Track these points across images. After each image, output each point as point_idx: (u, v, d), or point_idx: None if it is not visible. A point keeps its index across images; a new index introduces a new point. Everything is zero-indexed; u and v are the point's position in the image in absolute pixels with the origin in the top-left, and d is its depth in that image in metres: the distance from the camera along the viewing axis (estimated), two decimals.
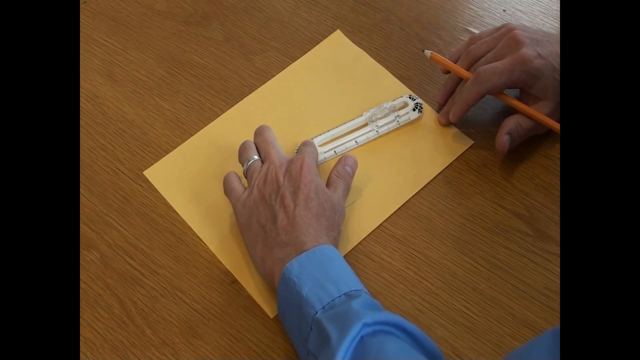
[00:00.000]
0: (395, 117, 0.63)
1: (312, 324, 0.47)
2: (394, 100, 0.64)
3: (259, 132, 0.60)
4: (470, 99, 0.59)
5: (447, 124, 0.63)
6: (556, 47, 0.58)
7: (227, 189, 0.58)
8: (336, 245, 0.55)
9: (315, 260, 0.50)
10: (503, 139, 0.59)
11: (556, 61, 0.57)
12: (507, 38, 0.59)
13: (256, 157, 0.59)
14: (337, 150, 0.63)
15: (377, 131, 0.63)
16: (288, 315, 0.50)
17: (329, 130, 0.64)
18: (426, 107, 0.65)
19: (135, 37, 0.72)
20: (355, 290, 0.48)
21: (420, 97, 0.66)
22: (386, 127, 0.63)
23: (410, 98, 0.64)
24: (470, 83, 0.59)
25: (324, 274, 0.49)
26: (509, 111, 0.62)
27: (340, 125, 0.64)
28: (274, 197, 0.54)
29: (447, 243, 0.58)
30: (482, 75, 0.58)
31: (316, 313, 0.47)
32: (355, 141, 0.63)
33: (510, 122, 0.59)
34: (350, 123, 0.64)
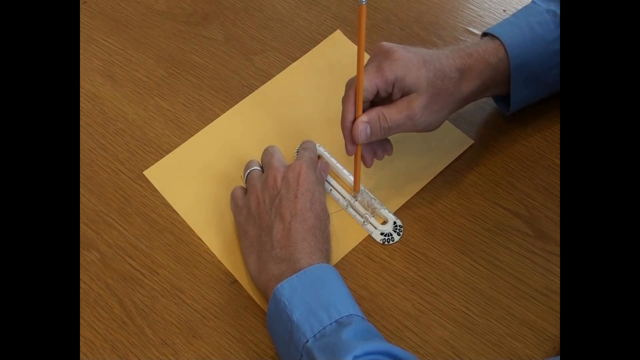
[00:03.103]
0: (365, 218, 0.58)
1: (303, 352, 0.47)
2: (387, 209, 0.58)
3: (265, 148, 0.61)
4: (345, 111, 0.54)
5: (352, 152, 0.56)
6: (431, 54, 0.55)
7: (231, 198, 0.59)
8: (329, 257, 0.55)
9: (307, 282, 0.49)
10: (359, 127, 0.53)
11: (427, 59, 0.54)
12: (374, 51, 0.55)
13: (257, 167, 0.59)
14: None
15: (347, 205, 0.59)
16: (277, 335, 0.50)
17: (328, 153, 0.62)
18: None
19: (135, 37, 0.72)
20: (346, 316, 0.48)
21: None
22: (353, 213, 0.59)
23: (395, 224, 0.58)
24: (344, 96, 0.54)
25: (315, 298, 0.48)
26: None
27: (337, 161, 0.62)
28: (270, 206, 0.54)
29: (447, 243, 0.58)
30: (349, 81, 0.54)
31: (307, 341, 0.47)
32: (330, 189, 0.60)
33: (373, 112, 0.53)
34: (343, 171, 0.61)
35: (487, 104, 0.65)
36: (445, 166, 0.62)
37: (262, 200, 0.55)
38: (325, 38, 0.71)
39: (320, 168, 0.60)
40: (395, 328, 0.54)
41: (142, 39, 0.71)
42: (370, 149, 0.57)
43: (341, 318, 0.48)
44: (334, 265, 0.56)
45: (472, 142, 0.63)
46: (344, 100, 0.54)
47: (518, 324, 0.54)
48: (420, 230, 0.59)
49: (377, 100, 0.55)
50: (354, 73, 0.57)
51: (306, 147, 0.61)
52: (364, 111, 0.54)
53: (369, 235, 0.59)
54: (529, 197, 0.60)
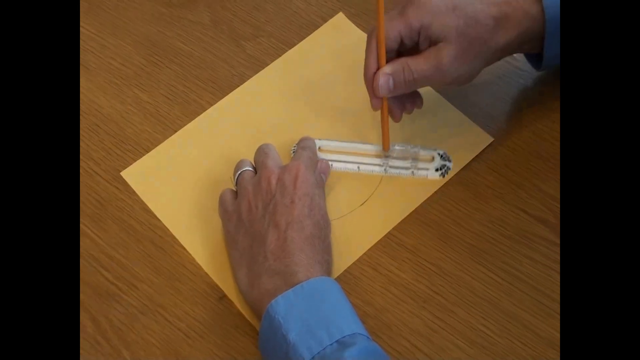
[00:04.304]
0: (412, 166, 0.61)
1: None
2: (423, 147, 0.62)
3: (259, 147, 0.60)
4: (367, 62, 0.56)
5: (378, 105, 0.58)
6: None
7: (219, 202, 0.59)
8: (330, 270, 0.55)
9: (304, 298, 0.49)
10: (380, 79, 0.55)
11: (457, 5, 0.55)
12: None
13: (249, 168, 0.59)
14: (335, 165, 0.62)
15: (385, 169, 0.62)
16: (271, 357, 0.50)
17: (334, 140, 0.63)
18: (443, 103, 0.64)
19: (111, 20, 0.72)
20: (349, 335, 0.48)
21: (435, 90, 0.66)
22: (397, 171, 0.61)
23: (441, 156, 0.61)
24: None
25: (314, 315, 0.48)
26: (536, 104, 0.62)
27: (350, 141, 0.63)
28: (263, 212, 0.55)
29: (463, 253, 0.58)
30: (370, 29, 0.56)
31: None
32: (358, 167, 0.62)
33: (397, 63, 0.55)
34: (362, 145, 0.63)
35: (508, 95, 0.66)
36: (461, 167, 0.62)
37: (255, 205, 0.56)
38: (326, 21, 0.70)
39: (320, 169, 0.60)
40: (405, 349, 0.54)
41: (119, 23, 0.71)
42: (399, 102, 0.59)
43: (343, 337, 0.48)
44: (335, 279, 0.56)
45: (492, 139, 0.63)
46: (366, 50, 0.56)
47: (544, 345, 0.53)
48: (433, 238, 0.59)
49: (404, 51, 0.57)
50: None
51: (304, 145, 0.61)
52: (389, 62, 0.55)
53: (375, 245, 0.58)
54: (555, 201, 0.60)
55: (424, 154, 0.62)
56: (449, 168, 0.61)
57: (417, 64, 0.55)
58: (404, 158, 0.61)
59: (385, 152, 0.61)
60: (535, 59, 0.62)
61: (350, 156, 0.62)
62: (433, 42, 0.55)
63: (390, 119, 0.60)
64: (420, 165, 0.61)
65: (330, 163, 0.62)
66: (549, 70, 0.63)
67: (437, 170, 0.61)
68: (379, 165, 0.62)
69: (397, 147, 0.62)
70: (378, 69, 0.56)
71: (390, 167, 0.61)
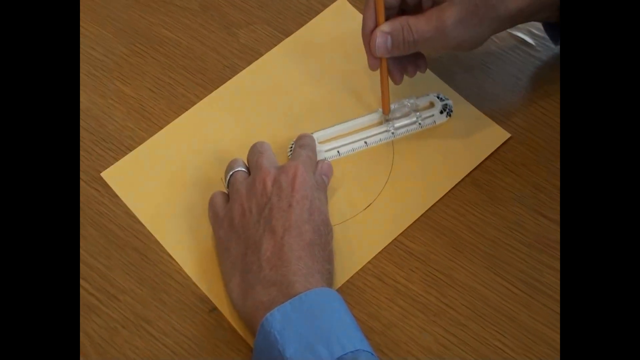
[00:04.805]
0: (417, 117, 0.63)
1: None
2: (417, 97, 0.64)
3: (252, 146, 0.60)
4: (365, 19, 0.57)
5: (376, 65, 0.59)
6: None
7: (209, 206, 0.59)
8: (331, 280, 0.55)
9: (303, 311, 0.49)
10: (377, 38, 0.56)
11: None
12: None
13: (242, 168, 0.59)
14: (342, 150, 0.63)
15: (393, 132, 0.63)
16: None
17: (333, 126, 0.63)
18: (455, 97, 0.65)
19: (90, 6, 0.71)
20: (352, 352, 0.48)
21: (446, 82, 0.66)
22: (405, 129, 0.63)
23: (438, 98, 0.64)
24: None
25: (313, 330, 0.48)
26: (558, 98, 0.62)
27: (348, 120, 0.64)
28: (258, 216, 0.55)
29: (477, 261, 0.58)
30: None
31: None
32: (365, 142, 0.63)
33: (397, 22, 0.56)
34: (360, 120, 0.64)
35: (527, 88, 0.66)
36: (474, 166, 0.62)
37: (248, 209, 0.55)
38: (326, 7, 0.70)
39: (321, 171, 0.60)
40: None
41: (100, 10, 0.71)
42: (399, 64, 0.60)
43: (345, 354, 0.47)
44: (337, 290, 0.56)
45: (509, 135, 0.63)
46: (364, 6, 0.57)
47: None
48: (444, 245, 0.59)
49: (407, 9, 0.58)
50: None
51: (303, 143, 0.61)
52: (389, 20, 0.56)
53: (381, 253, 0.58)
54: None
55: (422, 102, 0.64)
56: (451, 105, 0.63)
57: (418, 24, 0.55)
58: (406, 115, 0.63)
59: (386, 116, 0.63)
60: (553, 30, 0.63)
61: (352, 135, 0.63)
62: (437, 2, 0.56)
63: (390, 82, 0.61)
64: (424, 114, 0.63)
65: (336, 150, 0.62)
66: None
67: (441, 112, 0.63)
68: (385, 132, 0.63)
69: (394, 107, 0.63)
70: (376, 26, 0.56)
71: (397, 128, 0.63)
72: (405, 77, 0.62)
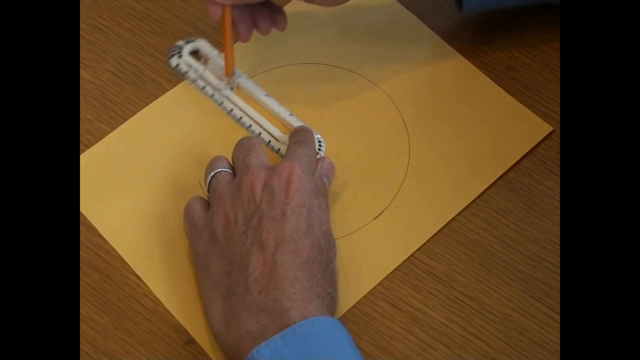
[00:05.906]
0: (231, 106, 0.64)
1: None
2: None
3: (239, 141, 0.60)
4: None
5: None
6: None
7: (185, 215, 0.59)
8: (333, 306, 0.55)
9: (297, 345, 0.49)
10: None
11: None
12: None
13: (226, 168, 0.59)
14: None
15: (232, 109, 0.63)
16: None
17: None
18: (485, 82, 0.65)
19: None
20: None
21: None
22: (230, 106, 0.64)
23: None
24: None
25: None
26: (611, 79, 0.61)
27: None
28: (245, 227, 0.54)
29: (512, 283, 0.57)
30: None
31: None
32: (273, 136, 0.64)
33: None
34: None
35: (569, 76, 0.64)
36: (508, 167, 0.62)
37: (233, 218, 0.55)
38: None
39: (321, 171, 0.59)
40: None
41: None
42: (246, 17, 0.60)
43: None
44: (340, 318, 0.56)
45: (552, 128, 0.63)
46: None
47: None
48: (472, 263, 0.58)
49: None
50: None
51: (300, 139, 0.60)
52: None
53: (393, 272, 0.58)
54: None
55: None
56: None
57: None
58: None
59: (227, 79, 0.64)
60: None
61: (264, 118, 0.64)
62: None
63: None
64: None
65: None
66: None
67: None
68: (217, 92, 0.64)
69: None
70: None
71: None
72: None
